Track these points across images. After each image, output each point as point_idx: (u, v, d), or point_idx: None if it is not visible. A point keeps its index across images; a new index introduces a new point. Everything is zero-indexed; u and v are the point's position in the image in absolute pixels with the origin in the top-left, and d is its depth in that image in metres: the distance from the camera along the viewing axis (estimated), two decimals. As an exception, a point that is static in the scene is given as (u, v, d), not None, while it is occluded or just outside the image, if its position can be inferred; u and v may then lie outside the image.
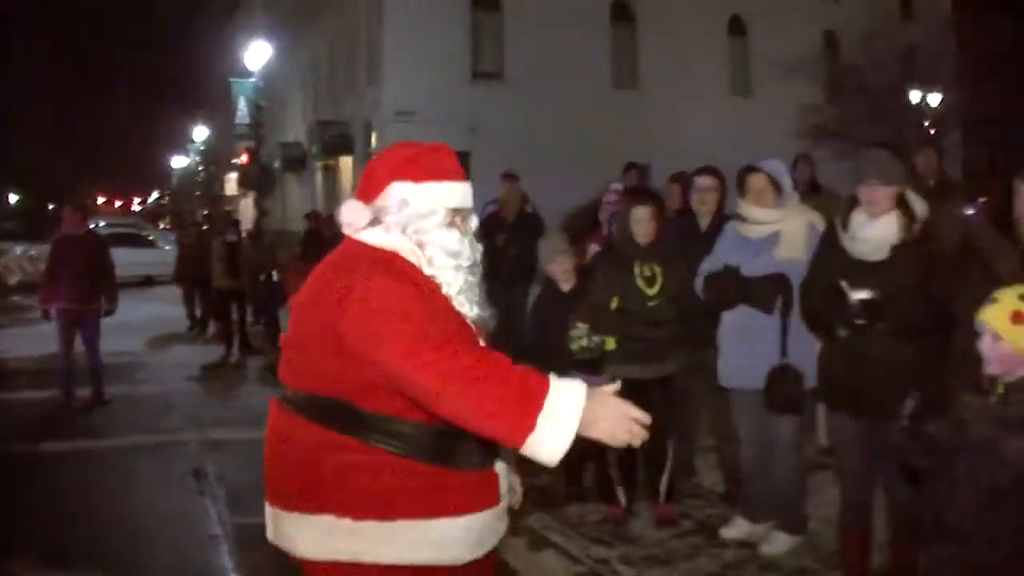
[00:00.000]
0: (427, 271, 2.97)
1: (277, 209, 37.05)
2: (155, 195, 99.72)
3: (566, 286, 6.35)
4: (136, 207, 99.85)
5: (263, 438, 3.05)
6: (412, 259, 2.98)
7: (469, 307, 3.02)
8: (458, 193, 3.07)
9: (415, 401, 2.77)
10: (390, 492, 2.89)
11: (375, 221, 3.02)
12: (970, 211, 3.98)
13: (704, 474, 6.78)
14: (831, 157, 17.96)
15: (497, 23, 27.55)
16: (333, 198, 32.34)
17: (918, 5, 32.53)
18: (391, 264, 2.93)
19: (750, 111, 28.39)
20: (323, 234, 12.96)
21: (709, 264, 5.57)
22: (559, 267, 6.36)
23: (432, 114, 24.69)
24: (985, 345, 3.21)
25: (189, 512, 6.67)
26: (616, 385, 2.76)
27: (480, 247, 3.10)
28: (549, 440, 2.65)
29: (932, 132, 26.15)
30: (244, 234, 15.73)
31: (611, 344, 5.78)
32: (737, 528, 5.77)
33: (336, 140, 30.86)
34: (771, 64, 26.76)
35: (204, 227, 21.12)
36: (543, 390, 2.69)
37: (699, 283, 5.55)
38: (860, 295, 4.40)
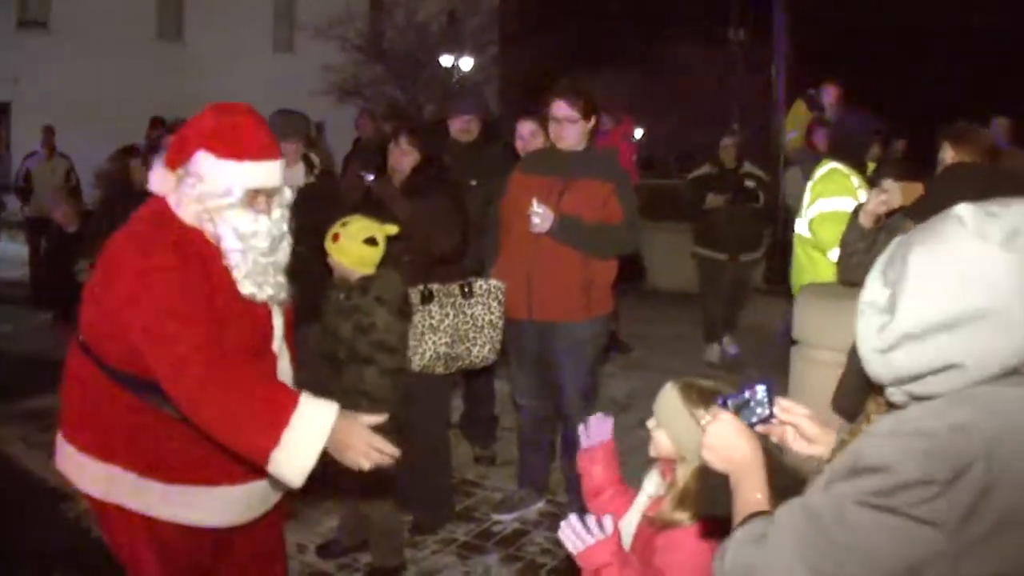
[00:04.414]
0: (221, 248, 2.92)
1: None
2: None
3: (71, 228, 7.24)
4: None
5: None
6: (208, 234, 2.92)
7: (259, 289, 2.96)
8: (259, 174, 2.91)
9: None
10: (174, 457, 2.94)
11: (179, 187, 2.93)
12: (370, 176, 5.20)
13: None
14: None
15: (42, -29, 26.11)
16: None
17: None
18: (180, 245, 2.86)
19: (292, 68, 28.52)
20: None
21: None
22: (60, 212, 7.33)
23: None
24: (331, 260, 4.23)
25: None
26: (380, 418, 2.85)
27: (285, 225, 3.05)
28: (293, 458, 2.66)
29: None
30: None
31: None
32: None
33: None
34: (314, 23, 27.42)
35: None
36: (290, 406, 2.68)
37: None
38: None
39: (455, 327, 4.90)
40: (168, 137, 7.70)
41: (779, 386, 5.38)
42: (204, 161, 2.85)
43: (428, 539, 5.04)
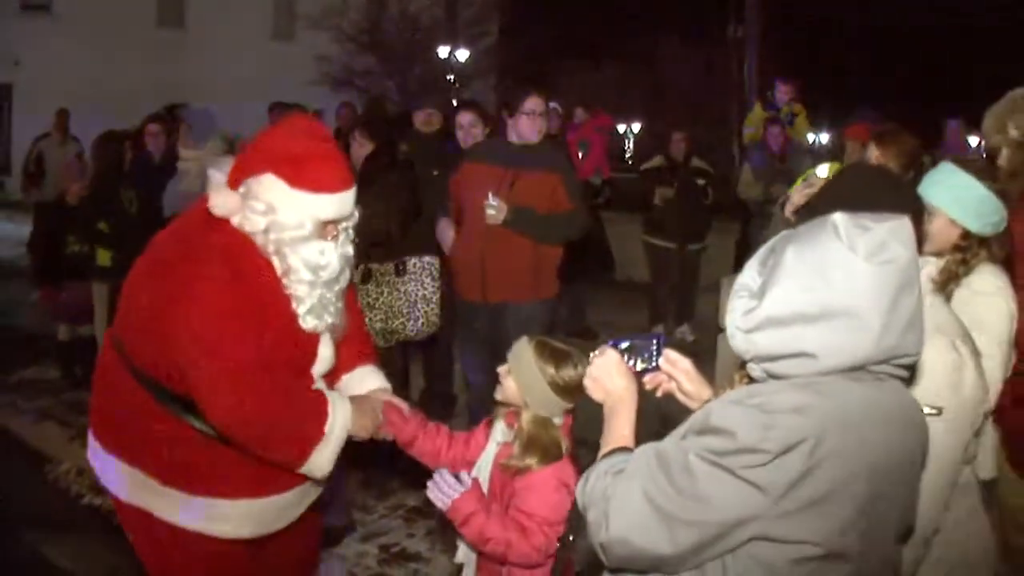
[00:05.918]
0: (283, 279, 2.83)
1: None
2: None
3: (73, 202, 7.37)
4: None
5: None
6: (276, 268, 2.83)
7: (320, 320, 2.91)
8: (334, 206, 2.82)
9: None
10: (197, 467, 2.90)
11: (241, 204, 2.78)
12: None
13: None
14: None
15: (45, -45, 26.24)
16: None
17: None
18: (238, 265, 2.75)
19: (290, 57, 28.29)
20: None
21: None
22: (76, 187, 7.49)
23: (-22, 46, 23.44)
24: None
25: None
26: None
27: (349, 246, 2.99)
28: (327, 449, 2.91)
29: (456, 86, 27.66)
30: None
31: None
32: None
33: None
34: (312, 11, 27.60)
35: None
36: (324, 401, 2.92)
37: None
38: None
39: (389, 304, 5.34)
40: (153, 125, 8.06)
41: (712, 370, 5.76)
42: (274, 187, 2.74)
43: (378, 505, 5.41)
